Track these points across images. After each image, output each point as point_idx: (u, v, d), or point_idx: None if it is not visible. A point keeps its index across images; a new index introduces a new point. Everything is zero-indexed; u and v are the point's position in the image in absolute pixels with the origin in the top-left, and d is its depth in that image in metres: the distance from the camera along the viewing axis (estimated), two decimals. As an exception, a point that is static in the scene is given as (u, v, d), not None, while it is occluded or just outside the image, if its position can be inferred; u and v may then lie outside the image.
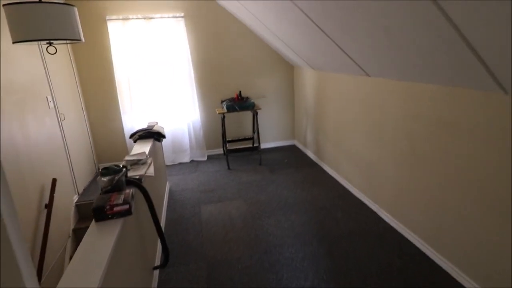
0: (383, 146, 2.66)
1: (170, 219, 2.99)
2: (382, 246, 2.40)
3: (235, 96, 4.25)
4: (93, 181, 3.90)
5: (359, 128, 3.03)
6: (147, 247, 2.06)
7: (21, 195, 2.35)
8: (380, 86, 2.60)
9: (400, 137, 2.43)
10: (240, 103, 4.10)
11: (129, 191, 1.57)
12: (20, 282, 0.59)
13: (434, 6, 1.19)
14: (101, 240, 1.30)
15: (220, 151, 4.80)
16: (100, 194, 1.55)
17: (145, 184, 1.83)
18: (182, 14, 4.06)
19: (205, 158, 4.64)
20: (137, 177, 1.87)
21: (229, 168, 4.20)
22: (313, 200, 3.19)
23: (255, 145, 4.72)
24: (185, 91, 4.33)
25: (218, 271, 2.24)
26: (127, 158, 2.16)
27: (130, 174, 1.89)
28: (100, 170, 1.63)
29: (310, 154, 4.47)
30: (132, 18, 3.91)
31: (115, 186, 1.57)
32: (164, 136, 3.10)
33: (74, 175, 3.40)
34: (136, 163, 2.13)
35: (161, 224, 2.55)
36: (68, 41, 2.00)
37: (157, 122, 3.32)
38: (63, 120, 3.27)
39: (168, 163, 4.45)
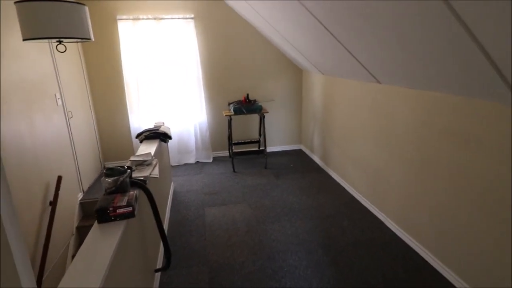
0: (391, 153, 2.61)
1: (174, 220, 2.98)
2: (387, 255, 2.34)
3: (242, 98, 4.23)
4: (98, 179, 3.90)
5: (367, 134, 2.98)
6: (149, 249, 2.04)
7: (26, 191, 2.35)
8: (391, 93, 2.55)
9: (408, 145, 2.38)
10: (247, 106, 4.08)
11: (133, 193, 1.55)
12: (17, 283, 0.58)
13: (449, 11, 1.16)
14: (103, 242, 1.30)
15: (225, 153, 4.78)
16: (104, 194, 1.53)
17: (149, 185, 1.81)
18: (192, 16, 4.06)
19: (211, 160, 4.63)
20: (142, 178, 1.85)
21: (234, 170, 4.18)
22: (318, 207, 3.14)
23: (261, 148, 4.69)
24: (193, 92, 4.33)
25: (221, 275, 2.21)
26: (132, 158, 2.15)
27: (135, 175, 1.87)
28: (104, 171, 1.62)
29: (316, 159, 4.43)
30: (142, 19, 3.92)
31: (119, 187, 1.55)
32: (170, 137, 3.09)
33: (80, 172, 3.41)
34: (142, 163, 2.12)
35: (164, 225, 2.54)
36: (78, 40, 2.00)
37: (163, 123, 3.31)
38: (70, 117, 3.28)
39: (173, 164, 4.44)
